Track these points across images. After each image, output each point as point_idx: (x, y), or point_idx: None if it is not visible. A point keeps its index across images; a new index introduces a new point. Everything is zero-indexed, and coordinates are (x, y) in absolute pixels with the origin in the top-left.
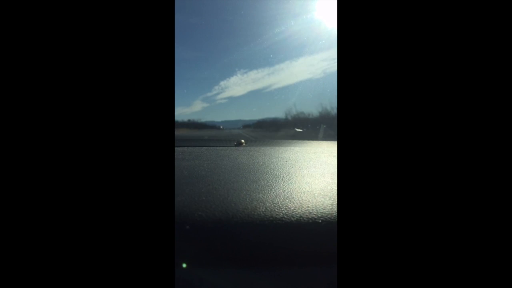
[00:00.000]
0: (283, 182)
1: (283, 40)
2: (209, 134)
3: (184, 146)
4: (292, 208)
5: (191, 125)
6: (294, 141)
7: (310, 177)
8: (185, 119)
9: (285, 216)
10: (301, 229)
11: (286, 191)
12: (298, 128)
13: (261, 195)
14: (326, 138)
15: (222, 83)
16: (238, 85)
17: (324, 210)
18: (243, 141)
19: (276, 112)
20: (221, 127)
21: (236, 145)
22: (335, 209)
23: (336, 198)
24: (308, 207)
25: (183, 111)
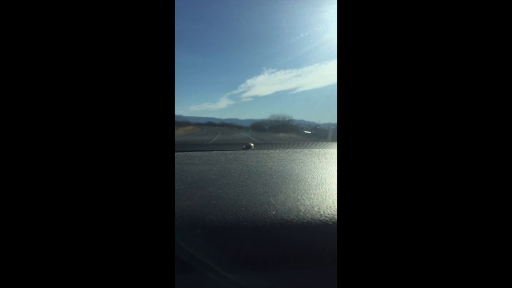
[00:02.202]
0: (293, 184)
1: (313, 42)
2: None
3: (194, 151)
4: (302, 210)
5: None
6: (303, 143)
7: (319, 178)
8: (209, 115)
9: (295, 219)
10: (311, 232)
11: (296, 193)
12: (306, 130)
13: (271, 198)
14: (335, 139)
15: (249, 81)
16: (264, 84)
17: (335, 213)
18: (252, 144)
19: (302, 115)
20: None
21: (245, 149)
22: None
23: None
24: (318, 209)
25: (208, 107)
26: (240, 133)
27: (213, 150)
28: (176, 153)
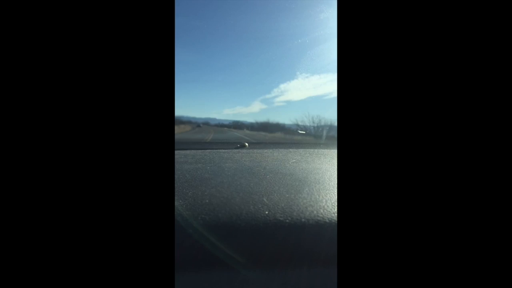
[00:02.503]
0: (287, 183)
1: None
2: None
3: (187, 149)
4: (296, 210)
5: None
6: (297, 143)
7: (313, 179)
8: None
9: (288, 218)
10: (304, 231)
11: (290, 192)
12: (301, 131)
13: (265, 198)
14: (328, 140)
15: (282, 86)
16: (298, 89)
17: (330, 215)
18: (246, 143)
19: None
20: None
21: (239, 148)
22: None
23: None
24: (312, 209)
25: (241, 111)
26: (234, 133)
27: (207, 149)
28: None
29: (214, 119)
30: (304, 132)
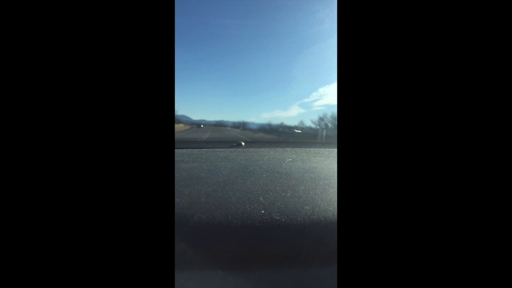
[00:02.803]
0: (282, 183)
1: None
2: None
3: (183, 148)
4: (291, 209)
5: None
6: (294, 142)
7: (309, 178)
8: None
9: (284, 217)
10: (300, 231)
11: (286, 191)
12: (297, 130)
13: (261, 198)
14: (326, 139)
15: (321, 89)
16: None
17: (326, 214)
18: (242, 142)
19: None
20: None
21: (235, 146)
22: (334, 212)
23: (335, 202)
24: (307, 208)
25: (279, 115)
26: (230, 132)
27: (203, 148)
28: None
29: (253, 123)
30: (300, 131)
